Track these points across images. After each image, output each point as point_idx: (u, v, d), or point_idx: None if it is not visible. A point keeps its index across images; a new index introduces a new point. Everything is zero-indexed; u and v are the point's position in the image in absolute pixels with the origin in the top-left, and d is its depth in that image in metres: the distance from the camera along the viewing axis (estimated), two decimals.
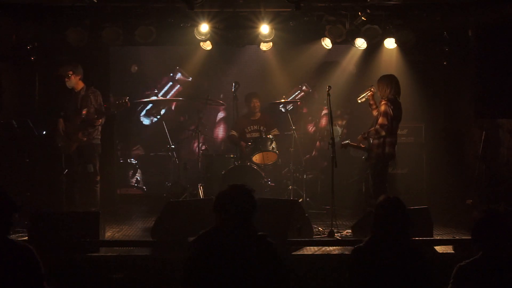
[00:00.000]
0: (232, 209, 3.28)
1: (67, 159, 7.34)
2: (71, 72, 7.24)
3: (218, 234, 3.30)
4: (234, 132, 8.48)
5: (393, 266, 3.30)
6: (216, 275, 3.20)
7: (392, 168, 7.73)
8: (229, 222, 3.29)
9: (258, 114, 8.50)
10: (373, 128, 6.60)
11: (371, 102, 6.89)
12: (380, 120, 6.52)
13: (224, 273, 3.19)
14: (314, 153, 8.86)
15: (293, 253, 5.69)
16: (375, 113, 6.83)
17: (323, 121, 9.35)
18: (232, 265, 3.19)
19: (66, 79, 7.27)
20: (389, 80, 6.65)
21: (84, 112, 7.26)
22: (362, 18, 7.25)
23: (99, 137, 7.41)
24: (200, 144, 8.24)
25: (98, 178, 7.35)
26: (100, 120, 7.30)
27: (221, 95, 9.18)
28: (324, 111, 9.17)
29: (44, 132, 7.37)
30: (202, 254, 3.26)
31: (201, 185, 7.89)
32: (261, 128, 8.38)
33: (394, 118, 6.54)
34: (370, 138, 6.68)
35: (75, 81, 7.30)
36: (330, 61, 9.11)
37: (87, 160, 7.29)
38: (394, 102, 6.55)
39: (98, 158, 7.41)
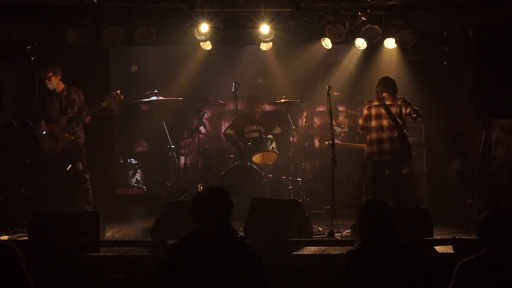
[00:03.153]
0: (210, 210, 3.27)
1: (52, 160, 7.35)
2: (51, 74, 7.30)
3: (197, 237, 3.28)
4: (230, 131, 8.47)
5: (387, 267, 3.30)
6: (194, 278, 3.18)
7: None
8: (207, 224, 3.27)
9: (259, 115, 8.52)
10: None
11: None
12: None
13: (202, 276, 3.17)
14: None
15: (293, 253, 5.69)
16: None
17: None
18: (211, 268, 3.17)
19: (48, 81, 7.34)
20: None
21: (69, 111, 7.31)
22: (362, 18, 7.24)
23: (84, 136, 7.48)
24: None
25: (88, 176, 7.42)
26: (90, 117, 7.35)
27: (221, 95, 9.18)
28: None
29: (44, 132, 7.37)
30: (180, 257, 3.24)
31: (201, 185, 7.89)
32: (261, 128, 8.39)
33: (365, 117, 6.94)
34: None
35: (56, 82, 7.37)
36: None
37: (76, 159, 7.34)
38: (367, 102, 6.97)
39: (85, 156, 7.46)
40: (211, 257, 3.19)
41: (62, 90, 7.41)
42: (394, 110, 6.76)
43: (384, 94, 6.84)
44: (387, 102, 6.80)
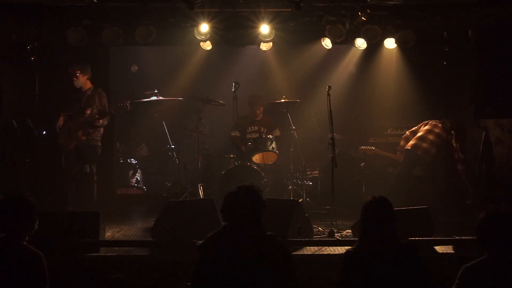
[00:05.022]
0: (242, 210, 3.26)
1: (67, 158, 7.37)
2: (78, 72, 7.33)
3: (227, 235, 3.27)
4: (236, 133, 8.46)
5: (385, 267, 3.29)
6: (226, 277, 3.18)
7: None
8: (238, 223, 3.27)
9: (260, 115, 8.52)
10: None
11: None
12: None
13: (234, 274, 3.17)
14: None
15: (293, 253, 5.68)
16: None
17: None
18: (242, 267, 3.17)
19: (74, 79, 7.37)
20: None
21: (87, 112, 7.30)
22: (362, 18, 7.24)
23: (99, 138, 7.45)
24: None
25: (95, 178, 7.40)
26: (101, 121, 7.33)
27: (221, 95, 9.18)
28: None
29: (44, 132, 7.37)
30: (211, 256, 3.24)
31: (201, 185, 7.89)
32: (262, 129, 8.39)
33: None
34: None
35: (83, 81, 7.39)
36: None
37: (85, 160, 7.33)
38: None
39: (97, 159, 7.43)
40: (242, 255, 3.19)
41: (87, 89, 7.42)
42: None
43: None
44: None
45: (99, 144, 7.46)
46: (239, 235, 3.25)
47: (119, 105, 7.29)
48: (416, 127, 7.70)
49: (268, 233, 3.32)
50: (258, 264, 3.18)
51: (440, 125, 7.56)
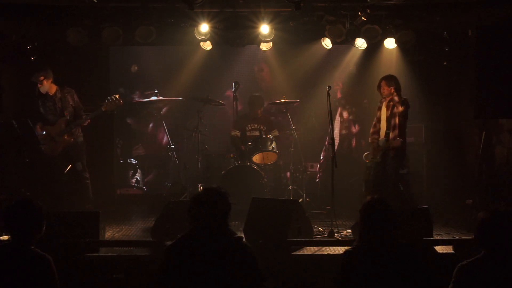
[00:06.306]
0: (208, 212, 3.28)
1: (52, 160, 7.36)
2: (42, 77, 7.30)
3: (195, 237, 3.29)
4: (236, 132, 8.46)
5: (384, 267, 3.30)
6: (192, 279, 3.19)
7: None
8: (205, 225, 3.28)
9: (260, 114, 8.53)
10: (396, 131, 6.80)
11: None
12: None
13: (200, 276, 3.18)
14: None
15: (293, 253, 5.69)
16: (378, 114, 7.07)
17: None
18: (207, 268, 3.19)
19: (39, 85, 7.35)
20: (394, 79, 6.92)
21: (66, 113, 7.32)
22: (362, 18, 7.24)
23: (82, 134, 7.50)
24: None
25: (87, 175, 7.45)
26: (89, 119, 7.36)
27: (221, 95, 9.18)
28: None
29: (44, 132, 7.37)
30: (177, 258, 3.25)
31: (201, 185, 7.89)
32: (261, 127, 8.38)
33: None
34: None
35: (48, 85, 7.37)
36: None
37: (75, 159, 7.37)
38: (407, 100, 6.86)
39: (85, 155, 7.49)
40: (208, 258, 3.21)
41: (55, 92, 7.40)
42: None
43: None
44: None
45: (82, 139, 7.50)
46: (205, 236, 3.26)
47: (107, 101, 7.28)
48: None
49: (236, 236, 3.34)
50: (223, 266, 3.20)
51: (401, 108, 6.80)
